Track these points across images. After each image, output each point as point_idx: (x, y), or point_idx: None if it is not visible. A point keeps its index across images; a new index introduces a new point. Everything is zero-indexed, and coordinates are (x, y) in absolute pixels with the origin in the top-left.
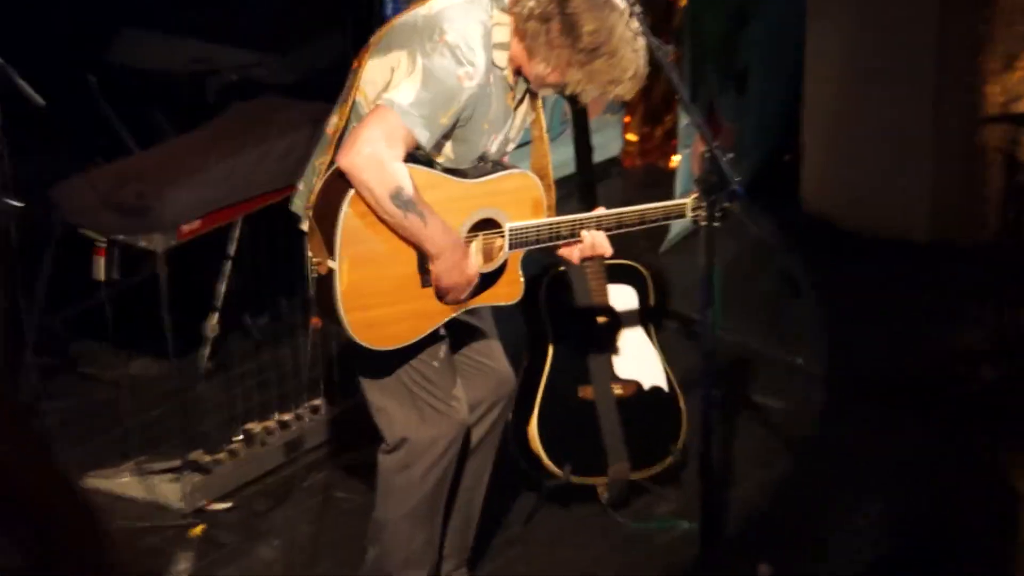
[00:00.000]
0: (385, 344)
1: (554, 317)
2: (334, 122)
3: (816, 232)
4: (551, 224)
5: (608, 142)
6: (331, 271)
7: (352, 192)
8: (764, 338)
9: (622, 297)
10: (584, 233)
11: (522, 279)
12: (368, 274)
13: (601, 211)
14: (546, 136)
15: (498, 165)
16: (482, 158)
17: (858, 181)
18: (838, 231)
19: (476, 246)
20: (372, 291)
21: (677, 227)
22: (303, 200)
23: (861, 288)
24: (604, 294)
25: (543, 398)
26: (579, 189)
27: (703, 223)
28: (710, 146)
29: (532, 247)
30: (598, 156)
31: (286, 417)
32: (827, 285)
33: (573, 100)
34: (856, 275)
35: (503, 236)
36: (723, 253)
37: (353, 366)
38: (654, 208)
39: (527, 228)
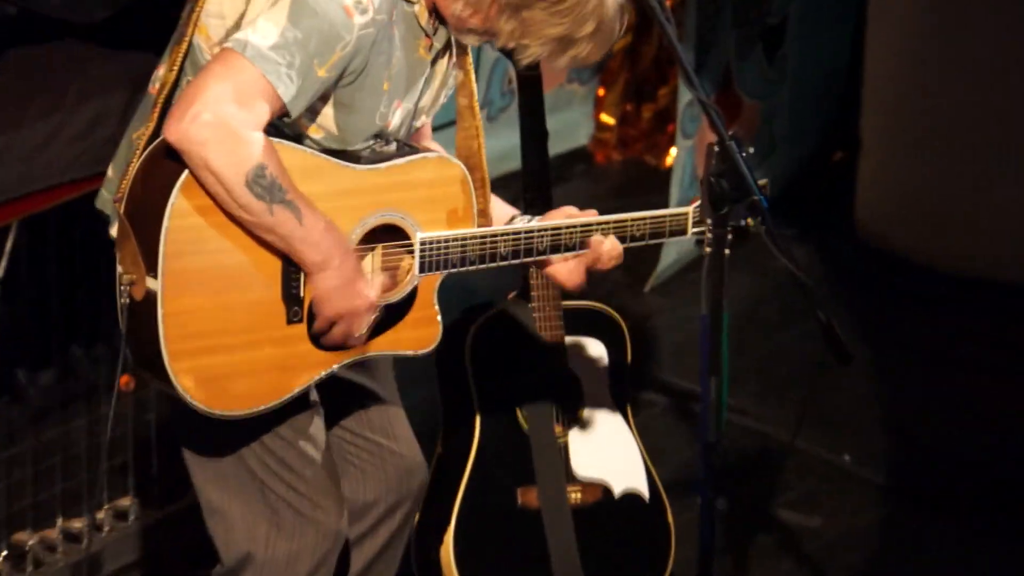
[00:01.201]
0: (229, 408)
1: (484, 381)
2: (161, 75)
3: (875, 267)
4: (484, 237)
5: (572, 125)
6: (150, 295)
7: (185, 176)
8: (793, 424)
9: (587, 356)
10: (597, 236)
11: (439, 318)
12: (206, 301)
13: (563, 218)
14: (478, 109)
15: (406, 147)
16: (380, 135)
17: (937, 198)
18: (906, 266)
19: (372, 264)
20: (212, 327)
21: (669, 255)
22: (112, 190)
23: (937, 351)
24: (560, 351)
25: (464, 503)
26: (526, 193)
27: (708, 248)
28: (722, 135)
29: (455, 270)
30: (557, 145)
31: (76, 525)
32: (888, 346)
33: (512, 58)
34: (930, 331)
35: (411, 252)
36: (736, 295)
37: (179, 443)
38: (636, 220)
39: (448, 241)
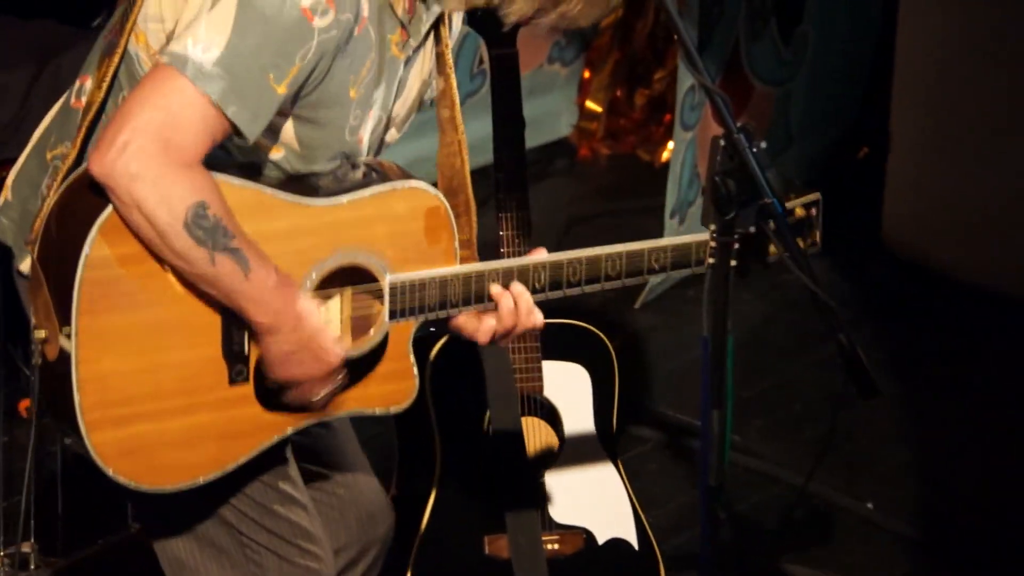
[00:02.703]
0: (159, 483)
1: (446, 414)
2: (88, 89)
3: (905, 284)
4: (468, 276)
5: (553, 113)
6: (63, 356)
7: (104, 218)
8: (807, 467)
9: (567, 382)
10: (496, 290)
11: (415, 371)
12: (131, 362)
13: (542, 255)
14: (461, 122)
15: (374, 173)
16: (346, 157)
17: (979, 204)
18: (941, 283)
19: (341, 312)
20: (138, 392)
21: None
22: (18, 223)
23: (975, 384)
24: (537, 377)
25: (421, 553)
26: (498, 193)
27: (710, 261)
28: (729, 127)
29: (431, 315)
30: (534, 137)
31: None
32: (920, 377)
33: (491, 23)
34: (969, 360)
35: (380, 296)
36: (742, 314)
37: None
38: (641, 250)
39: (423, 283)
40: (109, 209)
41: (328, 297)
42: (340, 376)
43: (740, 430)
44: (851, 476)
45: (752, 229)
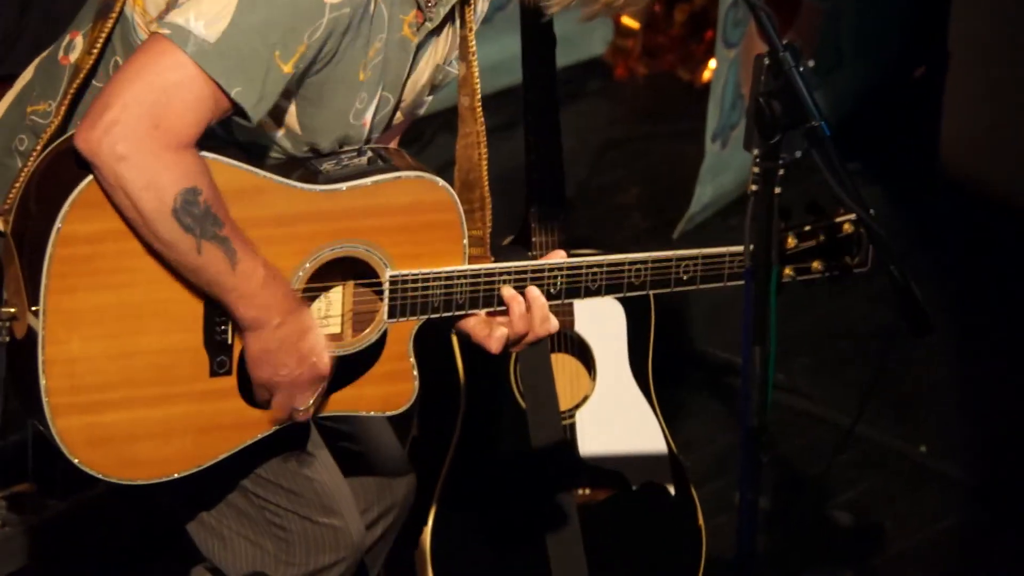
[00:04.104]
0: (130, 476)
1: (472, 354)
2: (79, 49)
3: (964, 214)
4: (475, 275)
5: (586, 29)
6: (31, 336)
7: (80, 189)
8: (855, 407)
9: (600, 318)
10: (508, 293)
11: (415, 372)
12: (103, 347)
13: (560, 258)
14: (481, 112)
15: (379, 160)
16: (346, 142)
17: None
18: (1003, 213)
19: (342, 305)
20: (110, 379)
21: (704, 194)
22: None
23: None
24: (567, 311)
25: (444, 495)
26: (527, 115)
27: (754, 187)
28: (774, 44)
29: (435, 315)
30: (567, 55)
31: None
32: (977, 314)
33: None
34: None
35: (381, 292)
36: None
37: None
38: (669, 259)
39: (427, 280)
40: (86, 182)
41: (329, 289)
42: (324, 384)
43: (784, 368)
44: (901, 418)
45: (799, 154)
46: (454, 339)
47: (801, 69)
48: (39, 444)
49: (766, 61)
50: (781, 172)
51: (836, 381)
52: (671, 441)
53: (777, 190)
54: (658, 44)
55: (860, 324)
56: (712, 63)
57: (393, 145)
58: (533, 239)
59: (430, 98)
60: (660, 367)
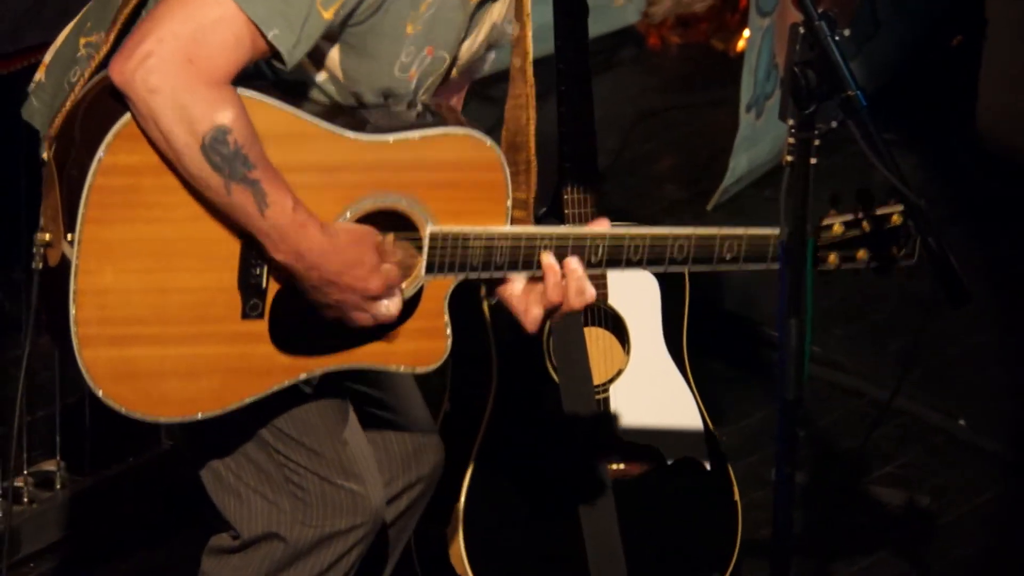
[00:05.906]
0: (153, 412)
1: (505, 329)
2: None
3: (1002, 183)
4: (517, 237)
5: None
6: (64, 264)
7: (123, 122)
8: (893, 380)
9: (634, 290)
10: (548, 260)
11: (449, 331)
12: (136, 280)
13: (604, 226)
14: (531, 69)
15: (428, 114)
16: (389, 95)
17: None
18: None
19: None
20: (140, 313)
21: (740, 165)
22: (45, 101)
23: None
24: (601, 284)
25: (477, 471)
26: (560, 85)
27: (790, 157)
28: (809, 13)
29: (473, 275)
30: (599, 25)
31: None
32: (1017, 284)
33: None
34: None
35: (419, 247)
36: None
37: None
38: (713, 236)
39: (469, 239)
40: (129, 115)
41: None
42: (392, 300)
43: (820, 341)
44: (940, 391)
45: (835, 124)
46: (487, 313)
47: (837, 38)
48: (66, 421)
49: (801, 30)
50: (817, 143)
51: (873, 353)
52: (706, 415)
53: (812, 161)
54: (692, 13)
55: (897, 295)
56: (746, 32)
57: (453, 102)
58: (566, 211)
59: (492, 56)
60: (694, 340)
